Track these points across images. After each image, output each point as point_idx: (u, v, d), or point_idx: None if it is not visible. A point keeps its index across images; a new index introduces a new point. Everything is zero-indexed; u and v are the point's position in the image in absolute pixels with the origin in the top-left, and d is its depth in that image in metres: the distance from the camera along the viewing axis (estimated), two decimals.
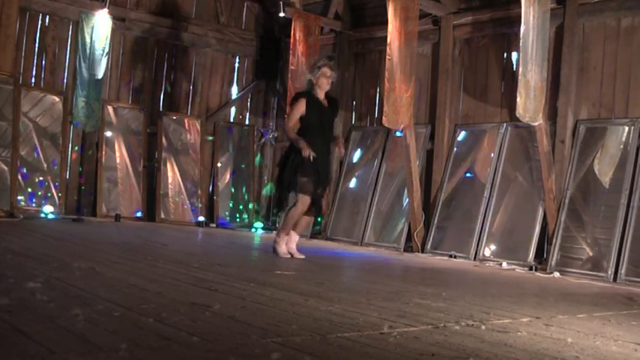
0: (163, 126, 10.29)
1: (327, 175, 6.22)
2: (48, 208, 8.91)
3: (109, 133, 9.83)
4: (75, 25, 9.50)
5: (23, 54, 9.20)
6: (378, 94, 9.56)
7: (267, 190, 11.31)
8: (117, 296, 3.17)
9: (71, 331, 2.35)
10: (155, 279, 3.94)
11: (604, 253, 6.69)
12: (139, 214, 9.82)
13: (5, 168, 8.70)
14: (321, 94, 6.09)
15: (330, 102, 6.19)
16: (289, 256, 6.06)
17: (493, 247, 7.67)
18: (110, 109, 9.89)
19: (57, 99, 9.44)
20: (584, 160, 7.18)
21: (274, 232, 10.21)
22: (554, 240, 7.05)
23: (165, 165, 10.22)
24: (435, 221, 8.24)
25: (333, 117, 6.26)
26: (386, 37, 7.92)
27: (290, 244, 6.14)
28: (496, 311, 3.71)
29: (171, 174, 10.27)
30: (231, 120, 11.30)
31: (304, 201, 5.93)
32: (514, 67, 7.85)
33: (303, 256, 6.10)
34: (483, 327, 3.13)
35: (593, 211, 6.97)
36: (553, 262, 6.96)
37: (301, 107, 5.99)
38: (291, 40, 9.23)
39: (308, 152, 5.79)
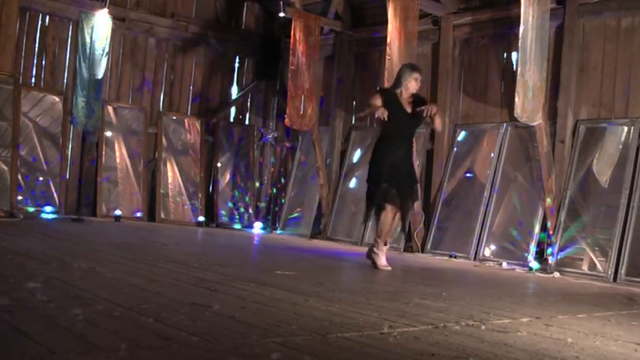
0: (163, 126, 10.29)
1: (403, 180, 5.69)
2: (48, 208, 8.92)
3: (109, 133, 9.84)
4: (75, 25, 9.50)
5: (23, 54, 9.21)
6: None
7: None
8: (117, 296, 3.18)
9: (71, 331, 2.35)
10: (155, 279, 3.94)
11: (604, 253, 6.69)
12: (139, 214, 9.82)
13: (5, 168, 8.71)
14: (405, 94, 5.74)
15: (416, 104, 5.74)
16: (389, 267, 5.69)
17: (493, 247, 7.67)
18: (110, 109, 9.89)
19: (57, 99, 9.44)
20: (584, 160, 7.18)
21: (274, 232, 10.28)
22: (554, 240, 7.05)
23: (166, 165, 10.23)
24: (435, 221, 8.24)
25: (417, 120, 5.79)
26: (386, 37, 7.92)
27: (381, 254, 5.77)
28: (496, 311, 3.71)
29: (172, 174, 10.28)
30: (231, 120, 11.30)
31: (384, 209, 5.63)
32: (514, 67, 7.84)
33: (389, 268, 5.70)
34: (483, 327, 3.13)
35: (593, 211, 6.97)
36: (553, 262, 6.96)
37: (379, 99, 5.64)
38: (291, 40, 9.22)
39: (382, 112, 5.49)
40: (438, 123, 5.81)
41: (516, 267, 7.10)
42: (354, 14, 10.02)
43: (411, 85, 5.73)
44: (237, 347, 2.32)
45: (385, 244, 5.77)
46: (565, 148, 7.28)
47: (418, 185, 6.03)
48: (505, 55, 8.22)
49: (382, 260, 5.72)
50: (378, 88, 5.95)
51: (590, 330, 3.33)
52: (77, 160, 9.62)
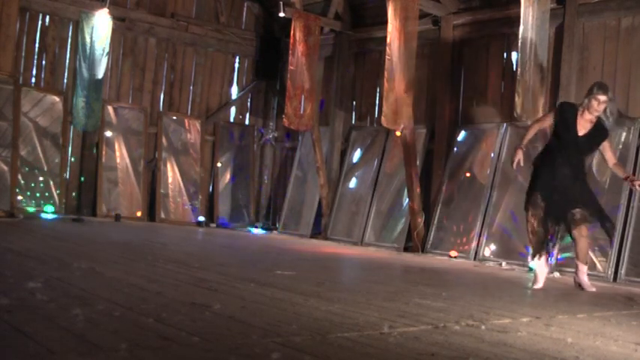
0: (163, 126, 10.29)
1: (566, 203, 5.25)
2: (48, 208, 8.92)
3: (109, 133, 9.84)
4: (75, 25, 9.51)
5: (23, 54, 9.21)
6: (378, 94, 9.56)
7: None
8: (117, 296, 3.18)
9: (71, 331, 2.35)
10: (155, 279, 3.94)
11: (604, 253, 6.68)
12: (139, 214, 9.82)
13: (5, 168, 8.71)
14: (587, 116, 5.21)
15: (596, 129, 5.24)
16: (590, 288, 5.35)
17: (493, 247, 7.66)
18: (110, 109, 9.89)
19: (57, 99, 9.44)
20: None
21: (274, 232, 10.28)
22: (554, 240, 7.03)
23: (166, 165, 10.23)
24: (435, 221, 8.24)
25: (589, 145, 5.30)
26: (386, 37, 7.92)
27: (578, 274, 5.43)
28: (496, 311, 3.71)
29: (172, 174, 10.28)
30: (231, 120, 11.31)
31: (529, 219, 5.34)
32: (514, 67, 7.84)
33: (593, 289, 5.36)
34: (483, 327, 3.13)
35: None
36: (553, 262, 6.94)
37: (548, 119, 5.45)
38: (291, 40, 9.23)
39: (514, 160, 5.39)
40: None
41: (516, 267, 7.10)
42: (354, 14, 10.01)
43: (592, 105, 5.16)
44: (237, 347, 2.32)
45: (539, 258, 5.35)
46: None
47: (590, 207, 5.32)
48: (505, 55, 8.22)
49: (582, 279, 5.39)
50: (561, 103, 5.49)
51: (590, 330, 3.33)
52: (77, 160, 9.63)
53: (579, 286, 5.43)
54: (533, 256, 5.41)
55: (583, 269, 5.42)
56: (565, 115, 5.32)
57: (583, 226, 5.29)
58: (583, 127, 5.25)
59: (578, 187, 5.31)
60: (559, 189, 5.26)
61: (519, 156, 5.40)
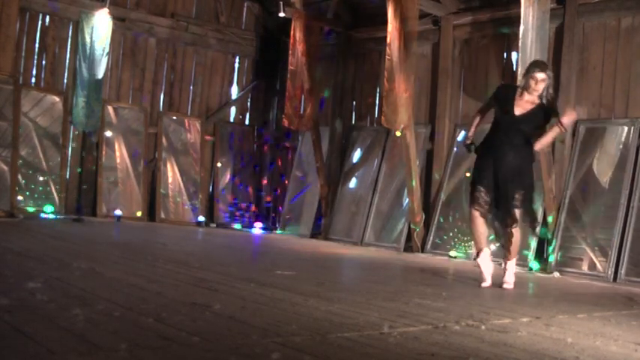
0: (163, 126, 10.29)
1: (509, 189, 5.04)
2: (48, 208, 8.92)
3: (109, 133, 9.84)
4: (75, 25, 9.50)
5: (23, 54, 9.20)
6: (378, 94, 9.56)
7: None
8: (117, 296, 3.18)
9: (71, 331, 2.35)
10: (155, 279, 3.94)
11: (604, 253, 6.68)
12: (139, 214, 9.82)
13: (5, 168, 8.71)
14: (527, 96, 5.02)
15: (538, 109, 5.06)
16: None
17: (493, 247, 7.65)
18: (110, 109, 9.89)
19: (57, 99, 9.44)
20: (584, 160, 7.17)
21: (274, 232, 10.28)
22: (554, 240, 7.05)
23: (166, 165, 10.23)
24: (435, 221, 8.24)
25: (529, 123, 5.07)
26: (386, 37, 7.92)
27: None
28: (496, 311, 3.71)
29: (172, 174, 10.28)
30: (231, 120, 11.31)
31: (472, 214, 5.15)
32: (514, 67, 7.84)
33: (509, 286, 5.18)
34: (483, 327, 3.13)
35: (593, 211, 6.96)
36: (553, 262, 6.95)
37: (490, 101, 5.39)
38: (291, 40, 9.23)
39: (467, 141, 5.38)
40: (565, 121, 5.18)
41: (516, 267, 7.08)
42: (354, 14, 10.01)
43: (530, 84, 4.99)
44: (237, 347, 2.32)
45: (478, 253, 5.20)
46: (565, 148, 7.27)
47: (528, 193, 5.18)
48: (505, 55, 8.21)
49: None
50: (500, 85, 5.52)
51: (590, 330, 3.33)
52: (77, 160, 9.63)
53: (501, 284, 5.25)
54: (477, 253, 5.26)
55: (510, 265, 5.30)
56: (502, 96, 5.20)
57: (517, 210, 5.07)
58: (522, 107, 5.06)
59: (522, 170, 5.10)
60: (501, 175, 5.05)
61: (470, 141, 5.39)
